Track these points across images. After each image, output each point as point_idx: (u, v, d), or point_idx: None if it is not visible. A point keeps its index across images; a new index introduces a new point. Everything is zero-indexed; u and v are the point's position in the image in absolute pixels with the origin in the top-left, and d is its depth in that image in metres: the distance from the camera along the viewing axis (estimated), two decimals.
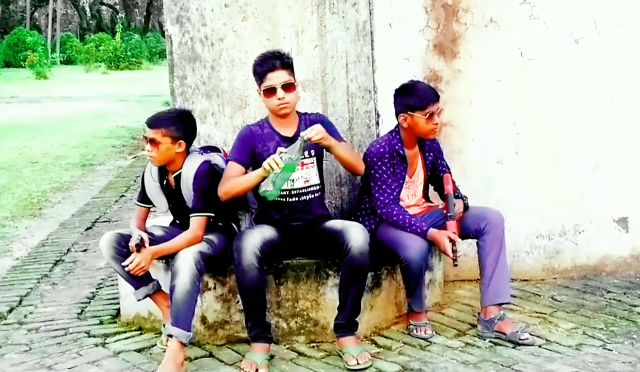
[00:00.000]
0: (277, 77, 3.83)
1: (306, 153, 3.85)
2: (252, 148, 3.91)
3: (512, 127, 4.92)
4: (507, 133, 4.92)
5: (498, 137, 4.92)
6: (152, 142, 3.89)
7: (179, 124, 3.94)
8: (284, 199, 3.92)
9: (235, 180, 3.85)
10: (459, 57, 4.88)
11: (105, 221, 7.19)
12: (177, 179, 4.00)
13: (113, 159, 11.13)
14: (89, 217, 7.34)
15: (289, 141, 3.86)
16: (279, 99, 3.82)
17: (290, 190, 3.91)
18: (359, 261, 3.72)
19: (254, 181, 3.78)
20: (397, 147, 4.10)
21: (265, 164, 3.67)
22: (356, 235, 3.74)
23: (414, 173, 4.24)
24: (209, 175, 3.92)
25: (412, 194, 4.27)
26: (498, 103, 4.90)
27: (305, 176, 3.94)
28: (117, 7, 45.82)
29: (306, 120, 3.97)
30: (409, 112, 4.05)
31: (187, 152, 3.99)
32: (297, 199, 3.95)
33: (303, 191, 3.95)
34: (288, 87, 3.84)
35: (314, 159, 3.95)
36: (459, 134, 4.91)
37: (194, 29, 4.43)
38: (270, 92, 3.84)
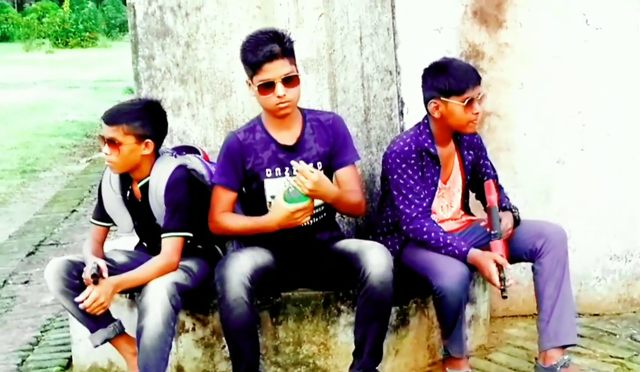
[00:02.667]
0: (276, 69, 3.79)
1: (311, 165, 3.84)
2: (241, 163, 3.90)
3: (577, 116, 4.92)
4: (570, 124, 4.93)
5: (558, 129, 4.92)
6: (111, 142, 3.89)
7: (145, 118, 3.95)
8: None
9: (236, 220, 3.89)
10: (506, 27, 4.88)
11: (52, 244, 7.21)
12: (144, 189, 4.00)
13: (61, 164, 11.17)
14: (31, 240, 7.36)
15: (288, 151, 3.88)
16: (279, 97, 3.79)
17: None
18: (380, 293, 3.72)
19: (256, 231, 3.84)
20: (426, 145, 4.11)
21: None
22: (376, 259, 3.74)
23: (449, 178, 4.25)
24: (185, 184, 3.93)
25: (447, 205, 4.27)
26: (558, 86, 4.90)
27: None
28: None
29: (312, 123, 3.96)
30: (441, 98, 4.06)
31: (155, 154, 4.00)
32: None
33: None
34: (290, 80, 3.82)
35: (321, 172, 3.91)
36: (507, 126, 4.92)
37: None
38: (267, 87, 3.80)
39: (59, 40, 33.79)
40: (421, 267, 4.04)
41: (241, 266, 3.73)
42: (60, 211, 8.43)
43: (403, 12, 4.73)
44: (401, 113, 4.72)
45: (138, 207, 4.05)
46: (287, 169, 3.85)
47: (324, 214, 4.01)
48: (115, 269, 3.94)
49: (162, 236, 3.90)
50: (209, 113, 4.45)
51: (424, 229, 4.04)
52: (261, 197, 3.91)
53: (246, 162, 3.89)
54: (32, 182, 10.09)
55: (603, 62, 4.89)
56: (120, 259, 4.09)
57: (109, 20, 39.62)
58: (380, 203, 4.31)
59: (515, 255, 4.12)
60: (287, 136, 3.92)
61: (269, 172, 3.89)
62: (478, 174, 4.30)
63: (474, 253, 3.97)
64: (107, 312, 3.94)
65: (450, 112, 4.06)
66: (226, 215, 3.89)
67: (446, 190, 4.25)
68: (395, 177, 4.09)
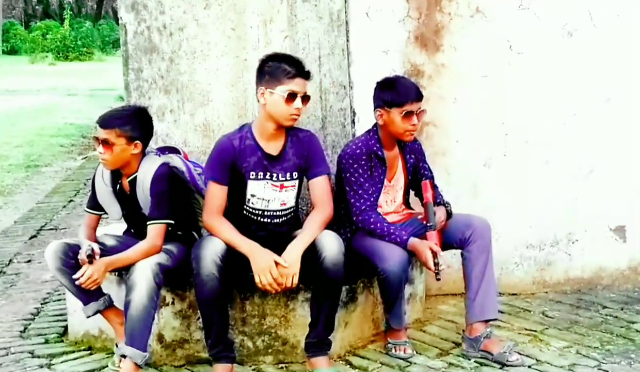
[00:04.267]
0: (302, 85, 3.81)
1: (288, 175, 3.89)
2: (232, 164, 3.86)
3: (500, 126, 4.95)
4: (495, 133, 4.96)
5: (485, 137, 4.95)
6: (105, 143, 3.87)
7: (134, 122, 3.92)
8: (255, 217, 3.94)
9: (226, 230, 3.81)
10: (443, 50, 4.90)
11: (51, 229, 7.13)
12: (132, 183, 3.98)
13: (61, 160, 11.05)
14: (34, 225, 7.28)
15: (271, 160, 3.87)
16: (297, 108, 3.79)
17: (263, 210, 3.92)
18: (333, 274, 3.73)
19: (234, 247, 3.78)
20: (375, 148, 4.11)
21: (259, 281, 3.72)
22: (330, 244, 3.74)
23: (394, 177, 4.25)
24: (168, 179, 3.92)
25: (391, 200, 4.28)
26: (485, 101, 4.93)
27: (284, 199, 3.94)
28: None
29: (293, 138, 3.93)
30: (385, 108, 4.07)
31: (143, 153, 3.98)
32: (269, 220, 3.96)
33: (277, 213, 3.96)
34: (305, 99, 3.84)
35: (297, 182, 3.95)
36: (442, 134, 4.93)
37: (151, 17, 4.41)
38: (291, 98, 3.77)
39: (60, 54, 33.41)
40: (368, 252, 4.05)
41: (214, 246, 3.72)
42: (59, 201, 8.34)
43: (356, 36, 4.73)
44: (353, 122, 4.72)
45: (126, 199, 4.02)
46: (268, 173, 3.86)
47: (293, 213, 4.03)
48: (106, 251, 3.92)
49: (148, 223, 3.89)
50: (189, 119, 4.43)
51: (371, 219, 4.04)
52: (242, 193, 3.89)
53: (236, 164, 3.86)
54: (35, 175, 9.97)
55: (524, 81, 4.94)
56: (111, 242, 4.06)
57: (103, 38, 39.24)
58: (334, 198, 4.30)
59: (447, 243, 4.14)
60: (272, 147, 3.89)
61: (252, 175, 3.86)
62: (417, 175, 4.32)
63: (413, 241, 3.99)
64: (99, 288, 3.91)
65: (391, 121, 4.07)
66: (219, 221, 3.83)
67: (391, 187, 4.26)
68: (347, 175, 4.09)
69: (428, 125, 4.88)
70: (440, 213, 4.14)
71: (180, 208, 3.97)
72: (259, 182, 3.88)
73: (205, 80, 4.38)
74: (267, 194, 3.90)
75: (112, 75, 21.85)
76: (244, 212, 3.93)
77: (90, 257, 3.75)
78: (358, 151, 4.09)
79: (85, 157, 11.01)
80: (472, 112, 4.93)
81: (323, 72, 4.47)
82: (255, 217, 3.94)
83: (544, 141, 4.98)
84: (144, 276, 3.69)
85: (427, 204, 4.10)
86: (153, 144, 4.19)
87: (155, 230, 3.86)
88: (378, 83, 4.16)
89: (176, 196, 3.96)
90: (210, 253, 3.68)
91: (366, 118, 4.42)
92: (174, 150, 4.18)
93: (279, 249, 3.83)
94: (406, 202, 4.38)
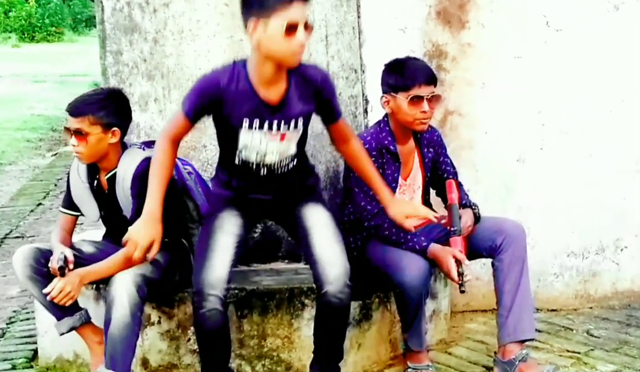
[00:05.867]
0: (300, 11, 3.44)
1: (292, 123, 3.67)
2: (213, 106, 3.63)
3: (536, 116, 4.96)
4: (530, 123, 4.97)
5: (518, 128, 4.96)
6: (78, 134, 3.87)
7: (109, 107, 3.92)
8: (251, 169, 3.75)
9: (159, 160, 3.65)
10: (469, 28, 4.91)
11: (17, 237, 7.16)
12: (111, 180, 3.99)
13: (27, 157, 11.09)
14: None
15: (271, 110, 3.63)
16: (300, 43, 3.46)
17: (258, 163, 3.73)
18: (338, 305, 3.66)
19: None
20: (386, 142, 4.11)
21: None
22: (333, 274, 3.62)
23: (410, 175, 4.26)
24: None
25: (408, 201, 4.28)
26: (518, 86, 4.93)
27: (284, 150, 3.74)
28: None
29: (297, 79, 3.67)
30: (391, 93, 4.09)
31: (123, 145, 3.99)
32: (266, 171, 3.77)
33: (276, 165, 3.77)
34: (308, 29, 3.50)
35: (301, 129, 3.73)
36: (468, 124, 4.95)
37: None
38: (291, 30, 3.42)
39: (26, 35, 33.48)
40: (383, 262, 4.05)
41: (216, 277, 3.61)
42: (26, 204, 8.37)
43: (368, 12, 4.74)
44: (365, 111, 4.73)
45: (105, 198, 4.03)
46: (266, 123, 3.62)
47: (297, 158, 3.82)
48: (82, 259, 3.92)
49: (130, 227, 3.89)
50: (176, 108, 4.43)
51: (385, 224, 4.04)
52: (233, 143, 3.69)
53: (222, 108, 3.61)
54: None
55: (562, 64, 4.94)
56: (88, 249, 4.07)
57: (75, 15, 39.29)
58: (342, 200, 4.32)
59: (475, 251, 4.14)
60: (272, 92, 3.61)
61: (246, 123, 3.62)
62: (438, 171, 4.32)
63: (434, 248, 3.99)
64: (74, 302, 3.92)
65: (397, 108, 4.06)
66: (162, 144, 3.66)
67: (407, 187, 4.26)
68: (356, 174, 4.09)
69: (452, 114, 4.89)
70: (466, 216, 4.14)
71: (167, 212, 3.98)
72: (254, 133, 3.66)
73: (194, 64, 4.40)
74: (264, 146, 3.69)
75: (85, 58, 21.93)
76: (236, 162, 3.75)
77: (63, 269, 3.76)
78: (367, 146, 4.07)
79: (56, 154, 11.04)
80: (503, 99, 4.94)
81: (331, 53, 4.48)
82: (249, 169, 3.76)
83: (587, 132, 4.99)
84: (125, 289, 3.69)
85: (451, 206, 4.10)
86: (135, 138, 4.21)
87: None
88: (385, 65, 4.17)
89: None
90: (213, 286, 3.59)
91: (380, 107, 4.42)
92: None
93: (288, 224, 3.82)
94: (426, 204, 4.38)
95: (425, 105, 4.02)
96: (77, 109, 3.89)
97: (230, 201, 3.85)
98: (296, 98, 3.67)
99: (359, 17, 4.69)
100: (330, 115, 3.79)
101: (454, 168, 4.34)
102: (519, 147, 4.99)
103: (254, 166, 3.74)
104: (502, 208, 4.65)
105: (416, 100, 4.02)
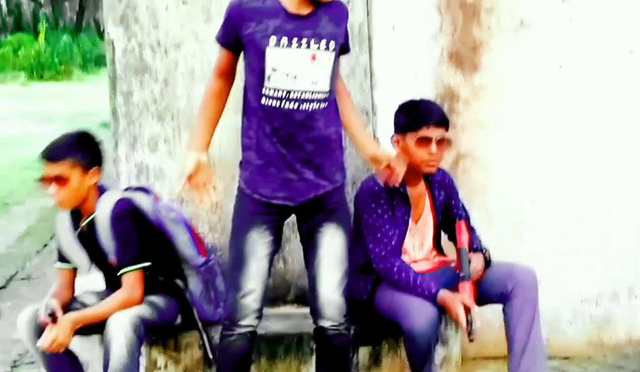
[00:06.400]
0: None
1: (323, 42, 3.59)
2: (239, 27, 3.60)
3: (551, 159, 4.97)
4: (544, 167, 4.97)
5: (532, 172, 4.96)
6: (59, 180, 3.85)
7: (85, 147, 3.92)
8: (279, 103, 3.59)
9: (205, 105, 3.80)
10: (482, 70, 4.93)
11: (23, 278, 7.15)
12: (91, 225, 3.97)
13: (35, 198, 11.06)
14: (3, 273, 7.29)
15: (300, 26, 3.55)
16: None
17: (289, 91, 3.58)
18: (336, 342, 3.71)
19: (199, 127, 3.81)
20: (396, 184, 4.12)
21: None
22: (328, 308, 3.69)
23: (421, 217, 4.27)
24: (131, 217, 3.90)
25: (419, 245, 4.29)
26: (532, 128, 4.94)
27: (316, 76, 3.60)
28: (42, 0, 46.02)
29: (327, 5, 3.63)
30: (400, 133, 4.11)
31: (100, 189, 3.98)
32: (295, 105, 3.60)
33: (307, 95, 3.61)
34: None
35: (332, 56, 3.64)
36: (481, 167, 4.95)
37: (142, 32, 4.47)
38: None
39: (34, 73, 33.57)
40: (391, 308, 4.04)
41: (250, 307, 3.66)
42: (32, 245, 8.36)
43: (381, 54, 4.77)
44: None
45: (90, 244, 4.00)
46: (295, 40, 3.54)
47: (326, 103, 3.69)
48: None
49: (119, 273, 3.87)
50: (186, 150, 4.46)
51: (394, 268, 4.04)
52: (261, 68, 3.58)
53: (246, 27, 3.57)
54: (4, 215, 10.01)
55: (577, 106, 4.95)
56: (91, 300, 4.06)
57: (84, 54, 39.36)
58: (353, 242, 4.31)
59: (485, 296, 4.14)
60: (301, 7, 3.57)
61: (273, 41, 3.53)
62: (449, 215, 4.32)
63: (443, 294, 3.97)
64: (75, 361, 3.91)
65: (406, 148, 4.08)
66: (211, 83, 3.77)
67: (417, 229, 4.27)
68: (365, 216, 4.10)
69: (464, 157, 4.90)
70: (476, 261, 4.13)
71: (154, 250, 3.97)
72: (283, 51, 3.55)
73: None
74: (295, 66, 3.56)
75: (94, 97, 21.97)
76: (262, 102, 3.62)
77: (53, 315, 3.71)
78: (377, 188, 4.09)
79: None
80: (516, 142, 4.95)
81: None
82: (277, 105, 3.59)
83: (602, 177, 4.99)
84: (121, 329, 3.67)
85: (460, 250, 4.09)
86: (144, 180, 4.23)
87: (128, 279, 3.85)
88: (399, 105, 4.20)
89: (144, 238, 3.93)
90: (247, 315, 3.64)
91: (392, 149, 4.44)
92: (144, 190, 4.17)
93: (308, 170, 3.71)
94: (438, 247, 4.38)
95: (433, 147, 4.03)
96: (55, 153, 3.87)
97: (257, 207, 3.74)
98: (327, 18, 3.63)
99: (370, 59, 4.72)
100: (345, 46, 3.79)
101: (466, 211, 4.34)
102: (532, 191, 4.98)
103: (282, 98, 3.59)
104: (515, 252, 4.64)
105: (424, 141, 4.03)
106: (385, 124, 4.57)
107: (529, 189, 4.98)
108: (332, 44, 3.60)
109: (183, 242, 4.07)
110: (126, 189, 4.15)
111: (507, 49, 4.91)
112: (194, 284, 4.10)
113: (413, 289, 3.99)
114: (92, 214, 3.95)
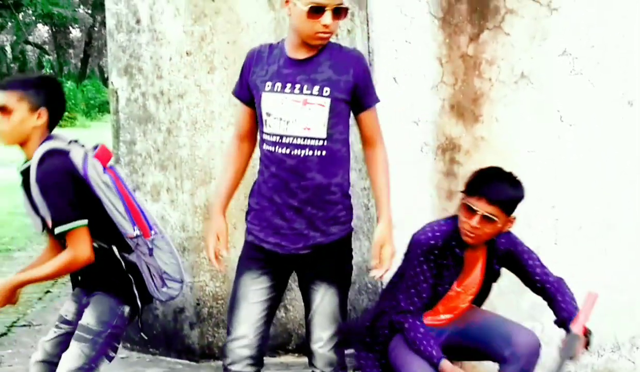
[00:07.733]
0: None
1: (316, 88, 3.59)
2: (247, 74, 3.70)
3: (551, 210, 4.99)
4: (544, 218, 4.99)
5: (532, 223, 4.96)
6: (3, 109, 3.62)
7: (40, 88, 3.68)
8: (274, 148, 3.62)
9: (223, 171, 3.84)
10: (482, 121, 4.97)
11: (24, 325, 7.13)
12: (26, 174, 3.66)
13: (36, 244, 11.08)
14: (4, 320, 7.27)
15: (295, 66, 3.60)
16: (325, 26, 3.53)
17: (281, 136, 3.60)
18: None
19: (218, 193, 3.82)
20: (454, 243, 4.01)
21: None
22: (322, 370, 3.75)
23: (465, 282, 4.15)
24: (60, 170, 3.59)
25: (452, 307, 4.21)
26: (532, 180, 4.92)
27: (307, 121, 3.59)
28: (47, 47, 46.22)
29: (333, 50, 3.65)
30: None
31: (48, 135, 3.74)
32: (287, 150, 3.61)
33: (299, 140, 3.61)
34: (339, 12, 3.57)
35: (327, 102, 3.60)
36: None
37: (146, 83, 4.51)
38: (316, 12, 3.51)
39: None
40: (399, 360, 4.04)
41: (235, 359, 3.69)
42: (34, 292, 8.33)
43: (381, 104, 4.78)
44: None
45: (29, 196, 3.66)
46: (288, 85, 3.59)
47: (324, 152, 3.65)
48: (73, 324, 3.78)
49: (55, 232, 3.56)
50: (188, 199, 4.49)
51: (406, 325, 4.00)
52: (260, 113, 3.65)
53: (252, 73, 3.67)
54: (6, 261, 10.01)
55: (577, 157, 4.97)
56: (70, 309, 3.88)
57: (88, 101, 39.55)
58: (388, 285, 4.24)
59: (482, 351, 4.12)
60: (300, 53, 3.62)
61: (268, 86, 3.61)
62: (529, 278, 4.23)
63: (445, 365, 3.91)
64: None
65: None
66: (229, 148, 3.82)
67: (457, 294, 4.17)
68: (409, 266, 4.03)
69: None
70: (580, 346, 4.02)
71: (88, 210, 3.61)
72: (276, 95, 3.60)
73: (207, 155, 4.45)
74: (287, 111, 3.59)
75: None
76: (263, 148, 3.68)
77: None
78: (433, 242, 3.98)
79: None
80: None
81: None
82: (272, 150, 3.63)
83: (601, 227, 5.00)
84: None
85: (576, 336, 3.99)
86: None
87: (71, 238, 3.55)
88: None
89: (78, 195, 3.59)
90: (240, 357, 3.68)
91: None
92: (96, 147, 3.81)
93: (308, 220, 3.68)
94: (479, 302, 4.31)
95: (474, 221, 3.90)
96: (7, 83, 3.71)
97: (252, 251, 3.77)
98: (328, 64, 3.64)
99: None
100: (361, 99, 3.72)
101: (552, 275, 4.28)
102: (533, 242, 4.96)
103: (276, 143, 3.61)
104: (516, 305, 4.63)
105: (469, 211, 3.93)
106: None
107: (530, 240, 4.94)
108: (326, 90, 3.59)
109: (111, 209, 3.67)
110: (75, 141, 3.78)
111: (508, 101, 4.95)
112: (144, 250, 3.73)
113: (417, 351, 3.96)
114: (29, 160, 3.66)
